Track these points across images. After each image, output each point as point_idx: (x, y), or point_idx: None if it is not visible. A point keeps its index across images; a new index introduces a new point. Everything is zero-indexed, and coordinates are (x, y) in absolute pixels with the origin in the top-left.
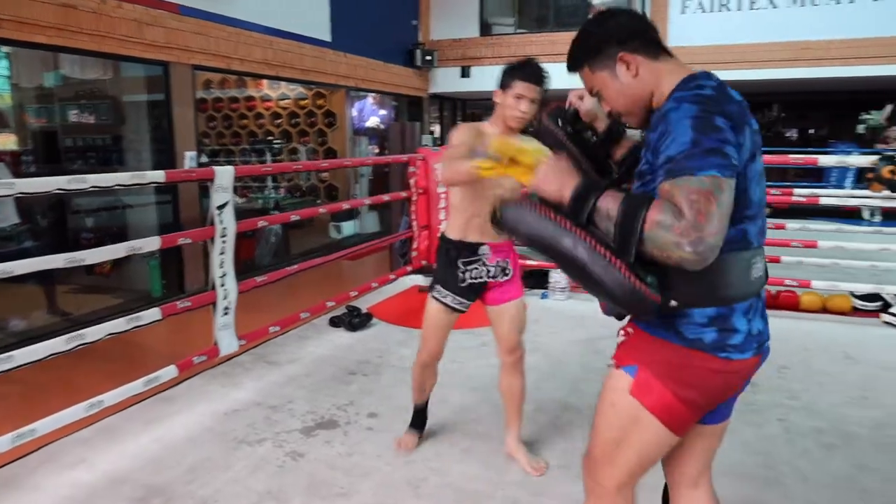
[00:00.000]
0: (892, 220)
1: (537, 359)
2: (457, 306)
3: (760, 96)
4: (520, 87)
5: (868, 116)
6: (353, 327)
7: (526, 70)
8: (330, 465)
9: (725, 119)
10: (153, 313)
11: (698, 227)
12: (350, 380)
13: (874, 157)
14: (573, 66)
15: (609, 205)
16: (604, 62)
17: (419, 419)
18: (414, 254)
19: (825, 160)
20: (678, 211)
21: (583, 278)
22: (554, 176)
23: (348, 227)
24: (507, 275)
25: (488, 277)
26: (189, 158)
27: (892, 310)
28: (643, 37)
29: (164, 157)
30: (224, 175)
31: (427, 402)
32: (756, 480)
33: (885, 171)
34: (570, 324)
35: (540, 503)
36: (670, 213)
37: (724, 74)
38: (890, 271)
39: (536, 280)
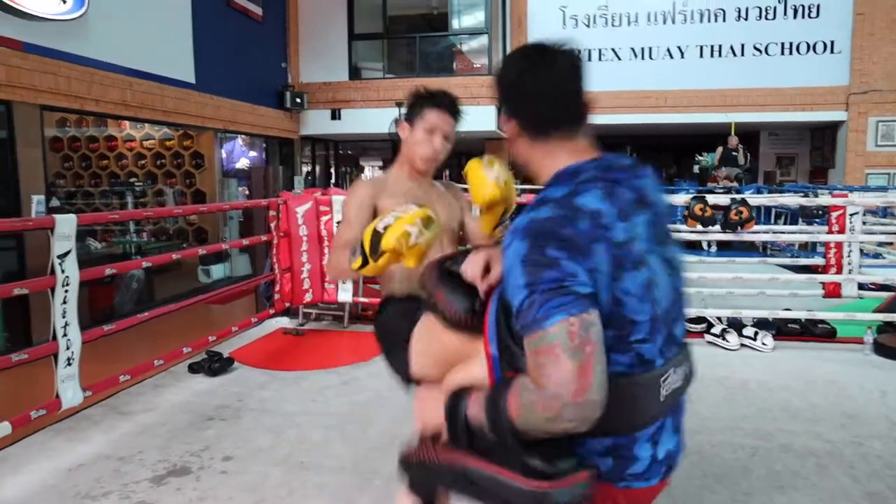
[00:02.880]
0: (725, 251)
1: (377, 383)
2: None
3: (613, 138)
4: (433, 116)
5: (701, 158)
6: (212, 372)
7: (439, 98)
8: None
9: (561, 247)
10: None
11: (557, 395)
12: (207, 425)
13: (688, 196)
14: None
15: (476, 413)
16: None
17: None
18: (277, 296)
19: None
20: (536, 382)
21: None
22: (427, 412)
23: (218, 271)
24: None
25: None
26: (36, 203)
27: (713, 330)
28: (538, 109)
29: (7, 200)
30: (65, 223)
31: None
32: None
33: (696, 208)
34: None
35: None
36: (528, 389)
37: None
38: (713, 296)
39: None
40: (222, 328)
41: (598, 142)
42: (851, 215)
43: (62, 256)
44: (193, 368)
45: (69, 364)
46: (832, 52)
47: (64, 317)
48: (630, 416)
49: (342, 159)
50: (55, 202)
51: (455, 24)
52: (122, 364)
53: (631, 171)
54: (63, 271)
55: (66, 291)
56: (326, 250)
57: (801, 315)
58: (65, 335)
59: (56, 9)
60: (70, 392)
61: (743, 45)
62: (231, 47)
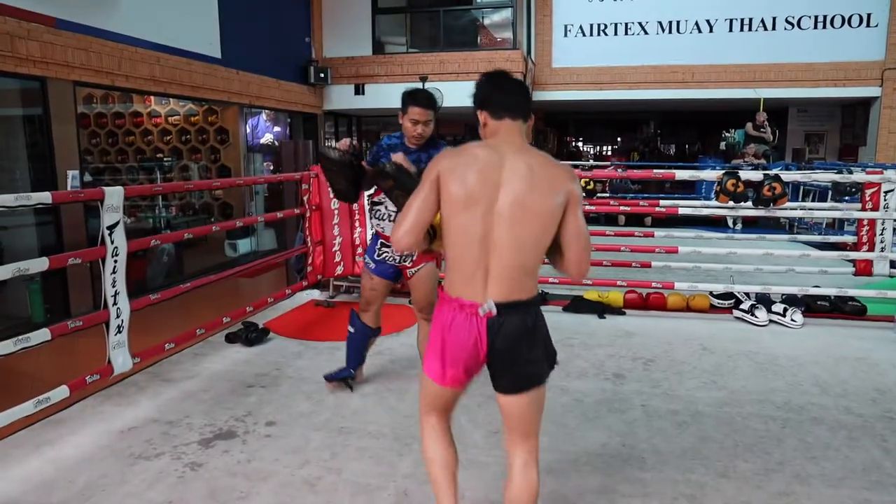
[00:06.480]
0: (751, 228)
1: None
2: None
3: (638, 114)
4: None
5: (728, 135)
6: (249, 342)
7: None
8: (230, 472)
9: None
10: (42, 334)
11: None
12: (248, 392)
13: (719, 172)
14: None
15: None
16: None
17: None
18: (309, 269)
19: (681, 175)
20: None
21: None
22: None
23: (244, 245)
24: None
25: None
26: (71, 178)
27: (741, 306)
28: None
29: (43, 175)
30: (114, 195)
31: None
32: (616, 457)
33: (729, 184)
34: None
35: (427, 490)
36: None
37: (601, 94)
38: (741, 272)
39: None
40: (253, 300)
41: (622, 117)
42: (886, 193)
43: (111, 227)
44: (230, 338)
45: (119, 331)
46: (868, 25)
47: (114, 286)
48: None
49: (364, 134)
50: (87, 178)
51: None
52: (157, 334)
53: None
54: (112, 242)
55: (116, 261)
56: (357, 223)
57: (832, 292)
58: (115, 304)
59: None
60: (121, 358)
61: (774, 19)
62: (256, 22)
